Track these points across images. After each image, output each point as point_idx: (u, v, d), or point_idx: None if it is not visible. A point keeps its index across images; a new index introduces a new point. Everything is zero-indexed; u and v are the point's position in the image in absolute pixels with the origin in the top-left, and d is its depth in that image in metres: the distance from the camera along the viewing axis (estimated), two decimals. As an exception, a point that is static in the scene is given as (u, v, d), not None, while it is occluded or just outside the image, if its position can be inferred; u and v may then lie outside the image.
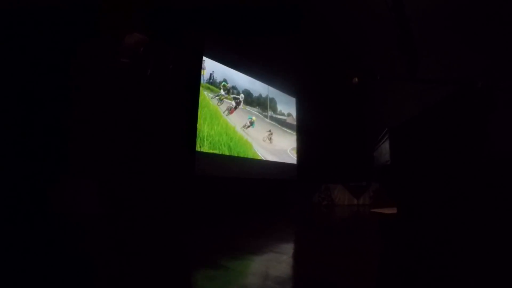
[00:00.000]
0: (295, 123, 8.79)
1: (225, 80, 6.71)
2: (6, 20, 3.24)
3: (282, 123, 8.30)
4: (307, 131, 8.77)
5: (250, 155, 6.94)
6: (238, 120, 6.79)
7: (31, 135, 3.32)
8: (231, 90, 6.87)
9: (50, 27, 3.59)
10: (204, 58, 6.09)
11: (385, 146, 3.45)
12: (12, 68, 3.24)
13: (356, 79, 2.84)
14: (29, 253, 2.00)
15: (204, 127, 5.90)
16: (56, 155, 3.62)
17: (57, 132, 3.62)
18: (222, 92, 6.58)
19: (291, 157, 8.33)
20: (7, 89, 3.20)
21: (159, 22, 4.87)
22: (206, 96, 6.16)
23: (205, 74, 6.25)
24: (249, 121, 7.06)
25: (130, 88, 4.18)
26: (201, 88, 6.01)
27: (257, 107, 7.47)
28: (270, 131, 7.76)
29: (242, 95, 7.09)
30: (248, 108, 7.18)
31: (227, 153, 6.33)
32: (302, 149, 8.60)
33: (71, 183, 3.68)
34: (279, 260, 2.05)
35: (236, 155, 6.57)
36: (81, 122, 3.86)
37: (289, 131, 8.49)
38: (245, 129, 6.89)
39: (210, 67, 6.40)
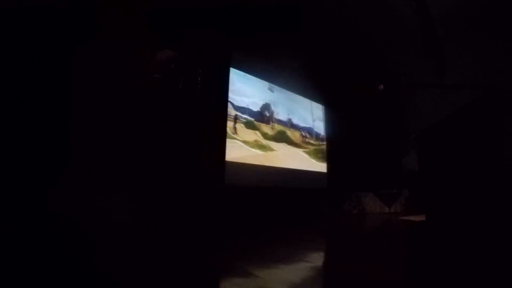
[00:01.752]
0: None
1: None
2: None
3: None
4: (336, 139, 8.68)
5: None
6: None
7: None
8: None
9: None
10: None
11: (412, 153, 3.40)
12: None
13: (382, 86, 2.79)
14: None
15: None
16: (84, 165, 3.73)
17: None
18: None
19: (321, 166, 8.27)
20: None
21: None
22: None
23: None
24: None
25: (162, 101, 4.31)
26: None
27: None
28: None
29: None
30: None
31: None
32: (331, 157, 8.52)
33: (101, 194, 3.79)
34: (308, 269, 2.07)
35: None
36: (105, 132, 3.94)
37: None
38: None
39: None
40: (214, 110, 5.59)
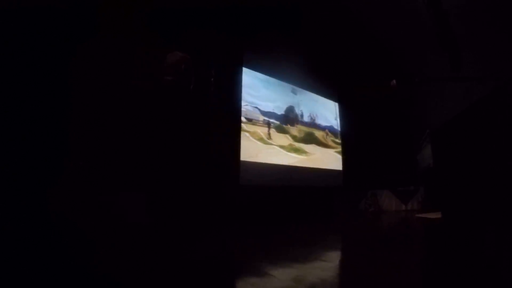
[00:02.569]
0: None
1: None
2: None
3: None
4: (351, 136, 8.61)
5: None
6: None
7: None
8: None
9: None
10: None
11: (427, 149, 3.34)
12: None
13: (395, 82, 2.75)
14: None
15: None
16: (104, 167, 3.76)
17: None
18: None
19: (337, 163, 8.22)
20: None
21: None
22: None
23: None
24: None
25: (174, 102, 4.32)
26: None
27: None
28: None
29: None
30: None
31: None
32: (347, 155, 8.44)
33: (123, 195, 3.82)
34: (325, 268, 2.05)
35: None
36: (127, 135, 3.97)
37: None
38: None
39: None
40: (228, 110, 5.61)
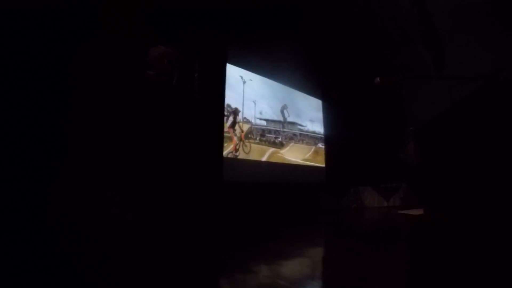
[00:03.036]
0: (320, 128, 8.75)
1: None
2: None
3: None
4: (334, 133, 8.66)
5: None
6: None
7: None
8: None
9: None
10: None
11: (411, 146, 3.40)
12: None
13: (378, 79, 2.75)
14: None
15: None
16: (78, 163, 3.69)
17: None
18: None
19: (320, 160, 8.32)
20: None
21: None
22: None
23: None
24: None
25: (157, 97, 4.27)
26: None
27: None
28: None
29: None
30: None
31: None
32: (330, 152, 8.50)
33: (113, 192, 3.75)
34: (308, 264, 2.05)
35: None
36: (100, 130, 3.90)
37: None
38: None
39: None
40: (211, 106, 5.56)
